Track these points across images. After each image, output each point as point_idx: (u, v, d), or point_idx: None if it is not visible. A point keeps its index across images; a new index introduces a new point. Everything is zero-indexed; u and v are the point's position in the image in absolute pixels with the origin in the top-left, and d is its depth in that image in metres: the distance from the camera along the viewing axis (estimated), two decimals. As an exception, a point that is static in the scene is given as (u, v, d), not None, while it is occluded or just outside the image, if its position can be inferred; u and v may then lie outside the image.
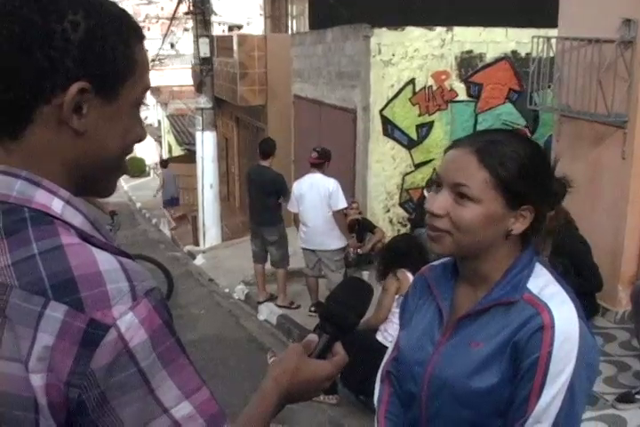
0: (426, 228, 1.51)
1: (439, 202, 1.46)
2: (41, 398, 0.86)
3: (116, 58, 0.97)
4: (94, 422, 0.88)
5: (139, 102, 1.04)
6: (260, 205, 7.80)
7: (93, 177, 1.03)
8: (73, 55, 0.93)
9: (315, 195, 7.04)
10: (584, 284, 4.98)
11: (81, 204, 0.99)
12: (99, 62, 0.95)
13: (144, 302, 0.90)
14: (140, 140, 1.07)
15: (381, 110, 9.20)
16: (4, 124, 0.95)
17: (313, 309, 7.47)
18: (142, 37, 1.03)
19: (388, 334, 4.92)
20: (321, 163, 7.20)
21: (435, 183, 1.54)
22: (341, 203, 7.07)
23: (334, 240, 7.13)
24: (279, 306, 7.99)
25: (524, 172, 1.42)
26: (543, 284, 1.46)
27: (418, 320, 1.63)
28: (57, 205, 0.96)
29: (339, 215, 7.11)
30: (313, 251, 7.27)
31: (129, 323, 0.88)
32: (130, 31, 1.00)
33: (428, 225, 1.49)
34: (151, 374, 0.89)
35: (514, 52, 9.39)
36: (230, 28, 26.27)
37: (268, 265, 8.16)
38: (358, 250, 8.38)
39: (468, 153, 1.44)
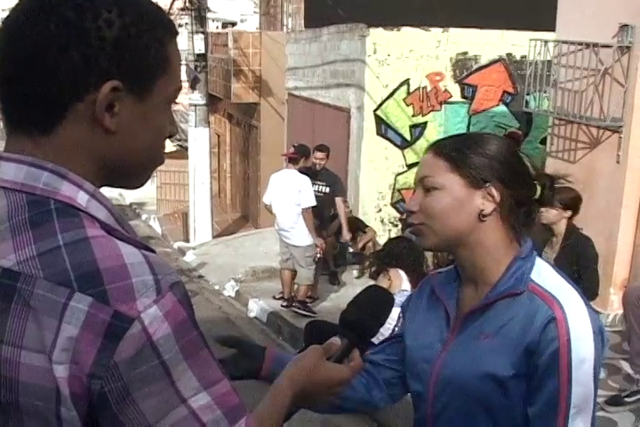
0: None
1: (413, 200, 1.55)
2: (63, 389, 0.87)
3: (150, 55, 0.97)
4: (115, 414, 0.89)
5: (171, 99, 1.04)
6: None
7: (123, 171, 1.03)
8: (107, 53, 0.93)
9: (286, 190, 7.19)
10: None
11: (105, 198, 0.99)
12: (132, 60, 0.95)
13: (168, 296, 0.91)
14: (171, 136, 1.08)
15: (375, 110, 9.22)
16: (36, 119, 0.95)
17: (285, 304, 7.58)
18: (175, 34, 1.03)
19: (380, 333, 4.91)
20: (296, 158, 7.35)
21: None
22: (309, 201, 7.17)
23: (301, 237, 7.22)
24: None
25: (479, 151, 1.49)
26: (546, 274, 1.50)
27: (424, 320, 1.65)
28: (82, 198, 0.96)
29: (306, 213, 7.20)
30: (286, 244, 7.36)
31: (153, 316, 0.89)
32: (163, 29, 1.00)
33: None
34: (173, 366, 0.90)
35: (509, 55, 9.43)
36: (224, 25, 26.25)
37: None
38: (350, 248, 8.39)
39: (430, 151, 1.56)
